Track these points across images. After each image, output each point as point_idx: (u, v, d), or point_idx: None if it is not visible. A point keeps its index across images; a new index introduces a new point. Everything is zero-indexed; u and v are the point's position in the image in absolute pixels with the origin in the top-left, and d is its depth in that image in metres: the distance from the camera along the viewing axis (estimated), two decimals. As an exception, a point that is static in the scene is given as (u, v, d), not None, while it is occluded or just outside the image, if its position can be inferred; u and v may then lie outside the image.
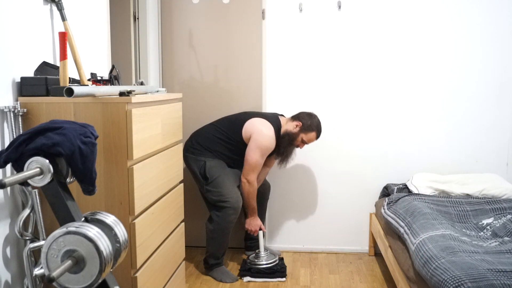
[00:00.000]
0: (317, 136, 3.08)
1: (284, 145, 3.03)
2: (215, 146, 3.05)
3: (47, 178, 1.40)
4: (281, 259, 3.22)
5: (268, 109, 3.44)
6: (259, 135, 2.93)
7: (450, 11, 3.29)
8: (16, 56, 1.80)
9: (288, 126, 3.05)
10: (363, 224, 3.50)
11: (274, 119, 3.05)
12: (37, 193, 1.74)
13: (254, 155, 2.93)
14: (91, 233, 1.33)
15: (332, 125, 3.43)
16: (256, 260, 3.11)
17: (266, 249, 3.22)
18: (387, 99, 3.39)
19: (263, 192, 3.31)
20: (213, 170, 2.98)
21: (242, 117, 3.06)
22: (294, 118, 3.08)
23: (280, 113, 3.24)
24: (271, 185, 3.43)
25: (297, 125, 3.03)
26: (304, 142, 3.06)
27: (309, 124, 3.02)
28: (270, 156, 3.10)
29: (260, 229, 3.14)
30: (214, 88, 3.49)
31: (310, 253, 3.54)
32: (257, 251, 3.18)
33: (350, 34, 3.36)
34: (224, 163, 3.06)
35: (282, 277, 3.03)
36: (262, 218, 3.35)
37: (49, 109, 1.77)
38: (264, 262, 3.08)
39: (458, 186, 3.12)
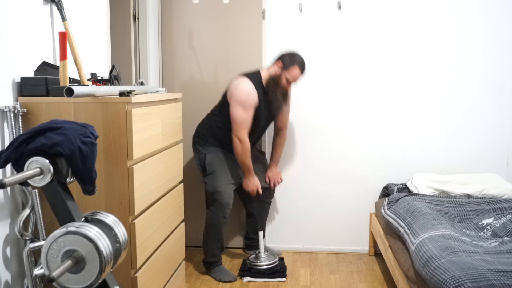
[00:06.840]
0: (301, 71, 2.94)
1: (272, 90, 2.97)
2: (214, 129, 3.07)
3: (47, 178, 1.40)
4: (281, 259, 3.22)
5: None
6: (234, 91, 2.92)
7: (450, 11, 3.29)
8: (16, 56, 1.80)
9: (271, 70, 2.99)
10: (363, 224, 3.50)
11: (253, 73, 3.00)
12: (37, 193, 1.74)
13: (235, 111, 2.91)
14: (91, 233, 1.34)
15: (332, 125, 3.43)
16: (256, 261, 3.11)
17: (266, 249, 3.21)
18: (387, 99, 3.39)
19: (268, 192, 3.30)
20: (211, 164, 3.02)
21: (226, 89, 3.07)
22: (275, 60, 3.00)
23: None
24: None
25: (278, 66, 2.96)
26: (289, 82, 2.95)
27: (290, 61, 2.93)
28: (275, 112, 3.05)
29: (258, 190, 3.05)
30: (214, 88, 3.49)
31: (310, 253, 3.54)
32: (257, 251, 3.18)
33: (350, 34, 3.36)
34: (223, 156, 3.06)
35: (282, 277, 3.03)
36: (263, 221, 3.35)
37: (49, 109, 1.77)
38: (264, 263, 3.08)
39: (458, 186, 3.12)
